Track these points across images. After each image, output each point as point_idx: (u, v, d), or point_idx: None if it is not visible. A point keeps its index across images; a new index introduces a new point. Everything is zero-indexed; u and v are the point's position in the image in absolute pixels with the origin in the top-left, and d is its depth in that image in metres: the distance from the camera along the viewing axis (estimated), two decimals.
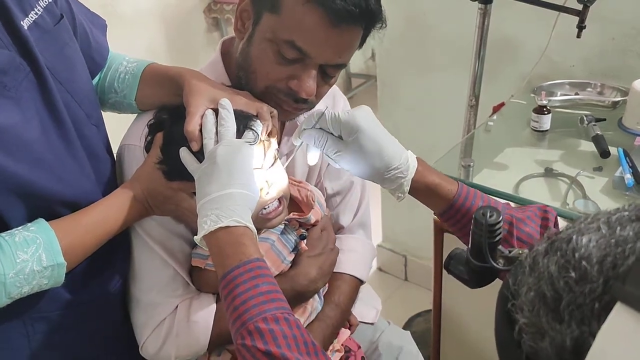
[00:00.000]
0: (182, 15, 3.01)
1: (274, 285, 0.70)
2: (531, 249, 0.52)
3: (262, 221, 0.88)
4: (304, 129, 0.85)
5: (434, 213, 0.89)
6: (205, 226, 0.72)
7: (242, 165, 0.77)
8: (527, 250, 0.61)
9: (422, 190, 0.85)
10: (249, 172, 0.78)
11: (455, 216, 0.85)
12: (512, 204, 0.91)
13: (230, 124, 0.81)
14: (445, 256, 1.45)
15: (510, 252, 0.70)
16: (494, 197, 0.87)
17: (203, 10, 3.13)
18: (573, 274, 0.45)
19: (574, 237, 0.47)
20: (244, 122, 0.84)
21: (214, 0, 3.09)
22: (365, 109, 0.83)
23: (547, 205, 0.86)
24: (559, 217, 0.88)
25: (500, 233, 0.71)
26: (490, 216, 0.70)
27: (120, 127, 0.99)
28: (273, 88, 0.90)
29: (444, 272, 1.49)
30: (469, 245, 0.74)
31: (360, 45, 0.91)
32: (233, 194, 0.74)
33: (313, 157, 0.90)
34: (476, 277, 0.75)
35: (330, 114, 0.81)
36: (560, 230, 0.51)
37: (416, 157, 0.86)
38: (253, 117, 0.86)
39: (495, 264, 0.70)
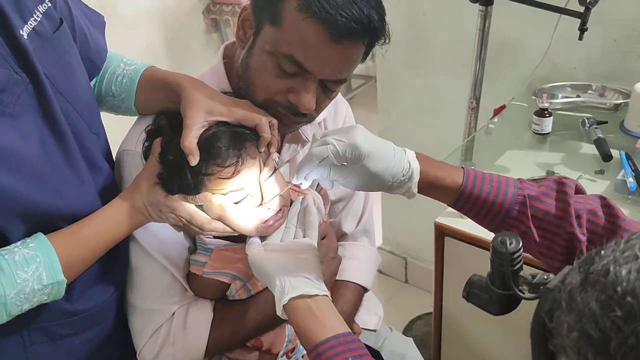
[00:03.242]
0: (181, 16, 3.01)
1: None
2: (563, 281, 0.48)
3: (262, 230, 0.87)
4: (307, 173, 0.81)
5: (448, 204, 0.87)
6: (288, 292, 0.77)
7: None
8: (552, 275, 0.58)
9: (426, 188, 0.83)
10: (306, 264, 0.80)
11: (466, 205, 0.83)
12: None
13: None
14: (446, 259, 1.46)
15: (534, 277, 0.67)
16: (503, 175, 0.84)
17: (202, 11, 3.12)
18: (619, 312, 0.42)
19: (611, 268, 0.44)
20: (239, 142, 0.83)
21: (213, 1, 3.08)
22: (361, 130, 0.80)
23: (565, 178, 0.82)
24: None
25: (520, 260, 0.68)
26: (510, 244, 0.67)
27: (120, 134, 0.98)
28: (272, 101, 0.88)
29: (445, 274, 1.49)
30: (489, 274, 0.71)
31: (363, 60, 0.90)
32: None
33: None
34: (499, 305, 0.72)
35: (334, 151, 0.78)
36: (590, 257, 0.48)
37: (416, 154, 0.84)
38: (251, 136, 0.85)
39: (520, 293, 0.67)
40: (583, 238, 0.76)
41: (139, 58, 1.01)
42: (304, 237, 0.86)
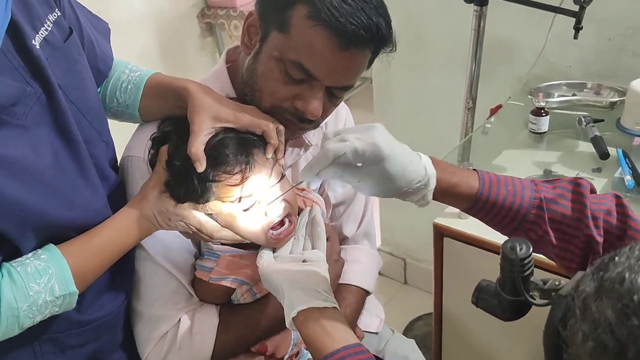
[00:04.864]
0: (175, 20, 3.00)
1: None
2: (576, 288, 0.48)
3: (273, 242, 0.87)
4: (320, 171, 0.75)
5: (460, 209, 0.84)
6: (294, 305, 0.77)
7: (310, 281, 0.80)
8: (564, 280, 0.58)
9: (441, 195, 0.81)
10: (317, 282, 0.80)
11: (482, 211, 0.80)
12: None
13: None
14: (445, 259, 1.46)
15: (545, 283, 0.66)
16: (518, 178, 0.81)
17: (197, 15, 3.11)
18: (636, 321, 0.41)
19: (627, 276, 0.43)
20: (247, 148, 0.83)
21: (208, 5, 3.07)
22: (381, 129, 0.76)
23: (580, 178, 0.80)
24: None
25: (531, 266, 0.67)
26: (520, 250, 0.66)
27: (122, 140, 0.98)
28: (278, 107, 0.88)
29: (444, 274, 1.49)
30: (499, 279, 0.70)
31: (368, 66, 0.90)
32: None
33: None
34: (509, 311, 0.70)
35: (352, 149, 0.72)
36: (604, 263, 0.47)
37: (431, 159, 0.81)
38: (258, 142, 0.85)
39: (531, 300, 0.65)
40: (600, 239, 0.76)
41: (134, 63, 1.00)
42: (313, 248, 0.86)
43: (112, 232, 0.81)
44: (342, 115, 1.11)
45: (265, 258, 0.84)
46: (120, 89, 0.94)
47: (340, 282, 1.05)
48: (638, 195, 1.21)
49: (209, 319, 0.93)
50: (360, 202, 1.17)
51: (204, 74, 1.01)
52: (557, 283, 0.63)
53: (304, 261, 0.84)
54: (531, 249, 0.66)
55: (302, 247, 0.87)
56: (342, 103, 1.12)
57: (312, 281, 0.79)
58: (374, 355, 0.75)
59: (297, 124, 0.90)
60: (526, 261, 0.66)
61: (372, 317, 1.20)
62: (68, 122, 0.76)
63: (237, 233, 0.86)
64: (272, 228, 0.86)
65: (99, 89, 0.95)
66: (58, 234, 0.77)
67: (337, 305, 0.78)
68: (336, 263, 0.99)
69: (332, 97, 0.89)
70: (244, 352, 0.97)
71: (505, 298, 0.69)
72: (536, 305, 0.65)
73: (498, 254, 1.34)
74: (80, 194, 0.79)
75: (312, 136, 1.04)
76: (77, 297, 0.77)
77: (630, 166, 1.26)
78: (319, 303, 0.76)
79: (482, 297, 0.73)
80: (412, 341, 1.25)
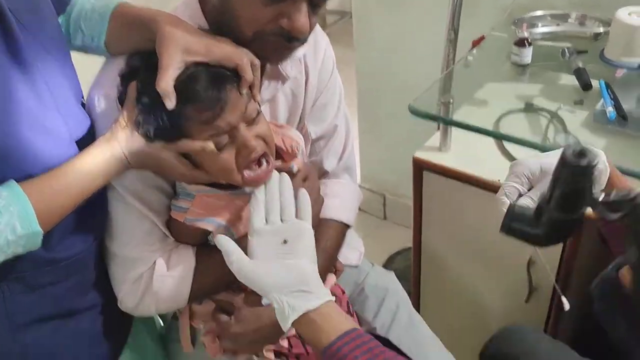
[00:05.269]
0: None
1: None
2: None
3: (250, 183, 0.84)
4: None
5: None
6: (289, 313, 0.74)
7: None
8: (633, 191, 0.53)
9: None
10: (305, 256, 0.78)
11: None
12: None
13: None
14: (424, 193, 1.46)
15: (609, 195, 0.59)
16: None
17: None
18: None
19: None
20: (219, 84, 0.78)
21: None
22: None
23: None
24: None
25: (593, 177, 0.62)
26: (586, 156, 0.59)
27: (89, 75, 0.92)
28: (262, 32, 0.83)
29: (424, 208, 1.50)
30: (546, 197, 0.64)
31: None
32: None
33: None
34: (554, 233, 0.64)
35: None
36: None
37: None
38: (232, 77, 0.80)
39: (605, 212, 0.59)
40: None
41: None
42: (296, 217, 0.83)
43: (78, 171, 0.77)
44: (321, 46, 1.07)
45: (234, 259, 0.78)
46: (85, 19, 0.88)
47: (320, 216, 1.04)
48: (619, 127, 1.21)
49: (186, 260, 0.92)
50: (341, 137, 1.14)
51: (174, 2, 0.95)
52: (627, 193, 0.57)
53: (285, 242, 0.80)
54: (597, 157, 0.61)
55: (279, 214, 0.83)
56: (323, 33, 1.08)
57: (298, 279, 0.76)
58: (375, 335, 0.75)
59: (285, 45, 0.85)
60: (594, 169, 0.60)
61: (352, 250, 1.21)
62: (23, 52, 0.70)
63: (211, 173, 0.83)
64: (248, 168, 0.83)
65: (61, 20, 0.89)
66: (19, 169, 0.73)
67: (329, 296, 0.76)
68: (316, 202, 0.97)
69: (315, 7, 0.84)
70: (224, 290, 0.96)
71: (557, 216, 0.62)
72: (611, 220, 0.59)
73: (479, 187, 1.35)
74: (41, 129, 0.74)
75: (290, 69, 0.99)
76: (41, 236, 0.74)
77: (612, 97, 1.25)
78: (311, 305, 0.73)
79: (515, 222, 0.67)
80: (392, 273, 1.26)
